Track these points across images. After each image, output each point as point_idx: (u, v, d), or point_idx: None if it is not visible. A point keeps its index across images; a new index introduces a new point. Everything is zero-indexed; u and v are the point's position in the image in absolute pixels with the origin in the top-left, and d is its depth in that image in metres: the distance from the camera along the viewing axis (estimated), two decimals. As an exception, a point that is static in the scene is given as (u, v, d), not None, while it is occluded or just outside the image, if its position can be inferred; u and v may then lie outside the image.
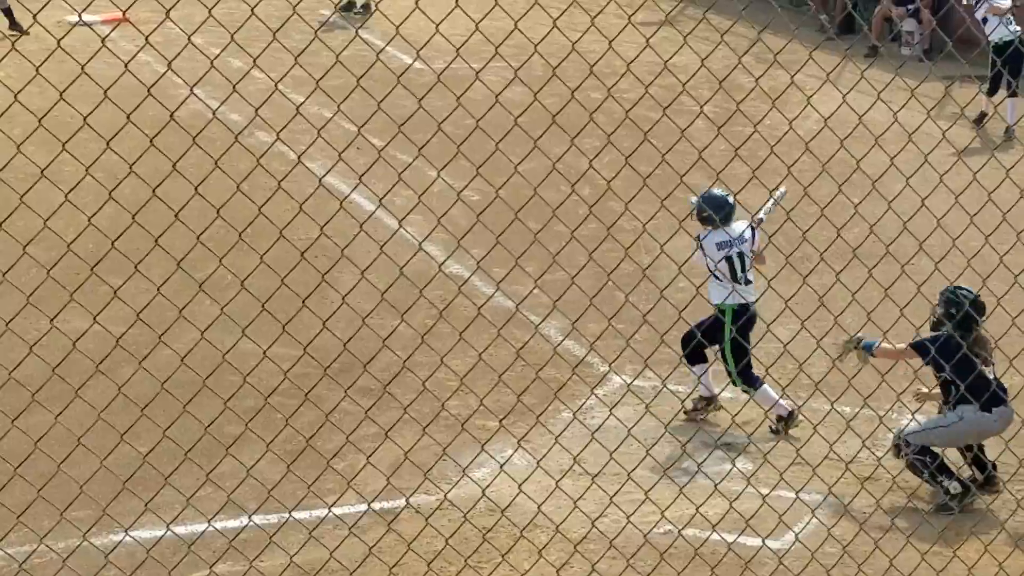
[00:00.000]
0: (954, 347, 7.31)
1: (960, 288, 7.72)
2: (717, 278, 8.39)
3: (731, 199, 8.42)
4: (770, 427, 8.53)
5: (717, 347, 8.74)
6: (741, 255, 8.64)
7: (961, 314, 7.64)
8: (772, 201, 8.28)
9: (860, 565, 5.82)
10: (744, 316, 8.29)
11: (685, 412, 8.73)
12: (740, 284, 8.52)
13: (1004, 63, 13.46)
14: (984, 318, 7.86)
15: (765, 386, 8.56)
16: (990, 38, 14.00)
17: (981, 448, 7.93)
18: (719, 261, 8.49)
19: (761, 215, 8.51)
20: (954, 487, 7.74)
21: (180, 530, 5.80)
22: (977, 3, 14.28)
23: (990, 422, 7.72)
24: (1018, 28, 13.97)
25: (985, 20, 14.25)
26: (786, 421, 8.53)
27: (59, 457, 5.25)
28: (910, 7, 17.14)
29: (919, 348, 7.65)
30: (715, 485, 6.26)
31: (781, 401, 8.49)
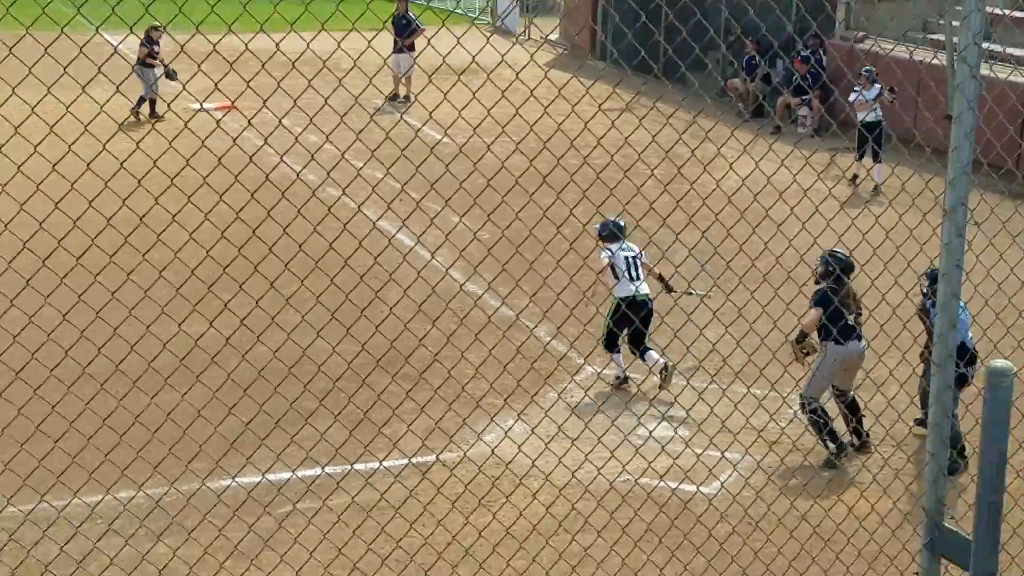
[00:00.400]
0: (829, 297, 7.11)
1: (834, 251, 7.15)
2: (617, 278, 8.50)
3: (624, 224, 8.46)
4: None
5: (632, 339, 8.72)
6: (636, 260, 8.61)
7: (835, 272, 7.35)
8: (696, 293, 7.66)
9: (769, 506, 5.72)
10: (634, 304, 8.35)
11: (611, 386, 8.77)
12: (635, 281, 8.52)
13: (872, 138, 13.38)
14: (852, 276, 7.42)
15: (619, 354, 8.81)
16: (861, 120, 13.94)
17: (860, 421, 7.72)
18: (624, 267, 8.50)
19: (690, 291, 7.57)
20: (836, 448, 7.62)
21: (272, 477, 5.71)
22: (853, 97, 14.26)
23: (847, 351, 7.30)
24: (880, 113, 13.91)
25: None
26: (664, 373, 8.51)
27: (184, 424, 5.19)
28: (804, 97, 17.07)
29: (820, 302, 7.24)
30: (662, 447, 6.20)
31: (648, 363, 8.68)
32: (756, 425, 5.92)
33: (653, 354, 8.57)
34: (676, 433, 7.06)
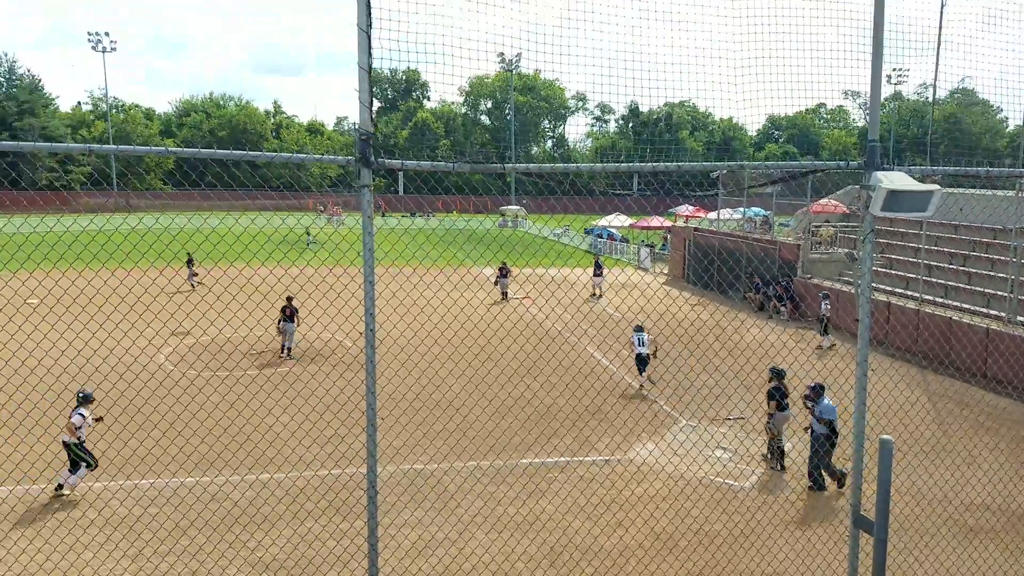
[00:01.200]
0: (780, 388, 13.70)
1: (773, 368, 13.94)
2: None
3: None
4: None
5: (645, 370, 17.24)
6: (643, 342, 17.01)
7: (777, 378, 13.82)
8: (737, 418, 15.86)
9: (769, 493, 12.80)
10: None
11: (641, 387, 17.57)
12: (641, 346, 17.12)
13: (823, 326, 21.81)
14: (784, 378, 13.87)
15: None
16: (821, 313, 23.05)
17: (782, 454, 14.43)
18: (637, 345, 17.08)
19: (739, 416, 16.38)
20: (776, 465, 13.80)
21: (536, 460, 13.40)
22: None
23: (784, 417, 13.60)
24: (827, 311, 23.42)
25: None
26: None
27: (513, 436, 12.96)
28: (783, 302, 27.45)
29: (774, 395, 13.48)
30: (729, 458, 13.44)
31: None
32: (755, 452, 13.11)
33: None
34: (724, 451, 14.30)
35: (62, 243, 35.93)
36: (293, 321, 21.83)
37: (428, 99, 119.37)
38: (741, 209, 39.21)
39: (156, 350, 22.20)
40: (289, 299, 21.93)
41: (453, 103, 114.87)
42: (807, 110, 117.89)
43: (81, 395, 12.71)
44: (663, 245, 48.85)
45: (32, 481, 12.34)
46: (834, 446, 12.56)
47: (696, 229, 38.79)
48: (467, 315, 24.43)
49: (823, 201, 33.41)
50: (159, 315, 24.21)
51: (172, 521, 11.37)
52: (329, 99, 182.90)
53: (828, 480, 12.83)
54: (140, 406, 15.93)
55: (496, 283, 32.36)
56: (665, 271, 42.10)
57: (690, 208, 50.87)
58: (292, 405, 16.32)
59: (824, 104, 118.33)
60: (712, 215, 41.79)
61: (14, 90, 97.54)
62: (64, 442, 12.34)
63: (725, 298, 31.41)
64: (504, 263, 32.40)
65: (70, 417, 12.46)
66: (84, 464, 12.32)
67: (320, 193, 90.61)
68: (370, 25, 5.74)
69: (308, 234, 52.93)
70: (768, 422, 13.79)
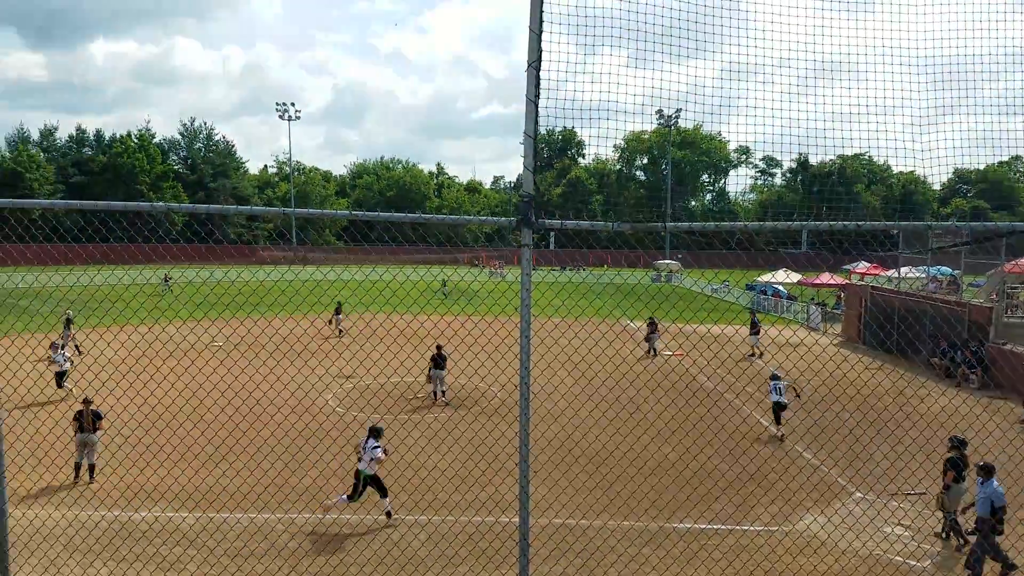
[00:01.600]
0: (959, 459, 12.55)
1: (955, 437, 12.98)
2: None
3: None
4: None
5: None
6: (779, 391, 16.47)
7: (957, 448, 12.76)
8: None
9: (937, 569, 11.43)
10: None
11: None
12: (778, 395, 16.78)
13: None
14: (965, 448, 12.87)
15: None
16: None
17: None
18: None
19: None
20: (959, 541, 12.40)
21: (677, 526, 12.71)
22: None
23: (960, 490, 12.46)
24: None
25: None
26: None
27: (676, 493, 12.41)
28: (972, 368, 21.96)
29: (952, 465, 12.46)
30: (909, 536, 12.18)
31: None
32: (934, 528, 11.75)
33: None
34: (901, 526, 12.95)
35: (243, 294, 39.19)
36: (443, 368, 22.46)
37: (583, 156, 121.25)
38: (924, 267, 36.45)
39: (324, 387, 23.34)
40: (439, 347, 22.57)
41: (608, 159, 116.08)
42: (1000, 163, 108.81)
43: (373, 428, 13.51)
44: (836, 304, 46.16)
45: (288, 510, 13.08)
46: (997, 534, 11.16)
47: (873, 287, 36.39)
48: (615, 366, 24.05)
49: (1021, 261, 30.45)
50: (327, 357, 25.54)
51: (324, 556, 11.69)
52: (486, 160, 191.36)
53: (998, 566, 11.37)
54: (308, 438, 16.68)
55: (646, 338, 31.83)
56: (838, 331, 39.76)
57: (866, 265, 47.89)
58: (442, 445, 16.54)
59: (1020, 157, 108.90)
60: (891, 273, 39.11)
61: (211, 155, 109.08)
62: (367, 475, 13.09)
63: (906, 362, 28.92)
64: (652, 317, 32.16)
65: (363, 448, 13.19)
66: (381, 492, 13.13)
67: (475, 248, 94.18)
68: (538, 96, 5.93)
69: (443, 284, 58.08)
70: (942, 494, 12.58)
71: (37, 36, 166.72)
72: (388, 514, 13.18)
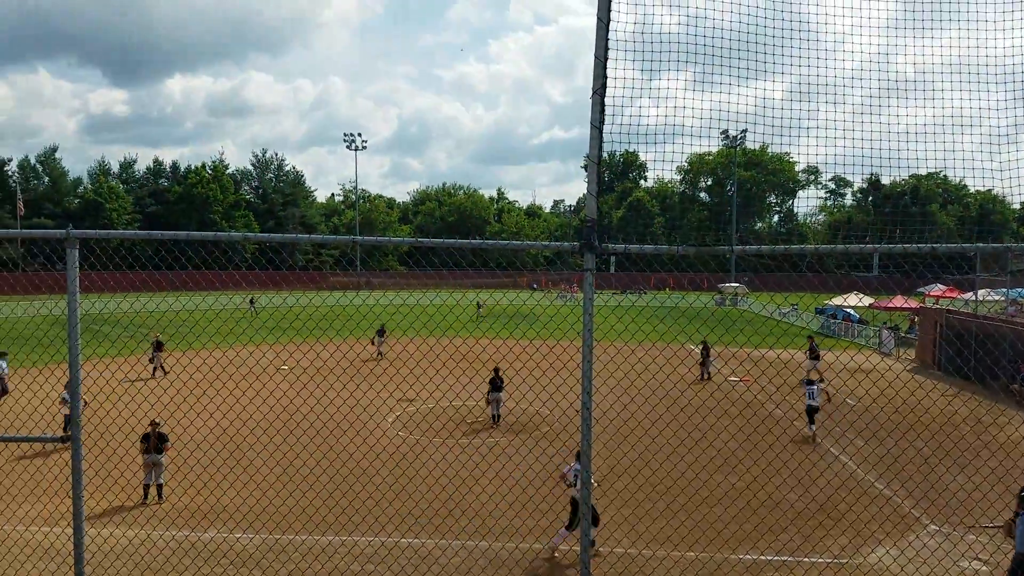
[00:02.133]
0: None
1: None
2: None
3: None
4: None
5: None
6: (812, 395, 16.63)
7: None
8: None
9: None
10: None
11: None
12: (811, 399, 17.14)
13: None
14: None
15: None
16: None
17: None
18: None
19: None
20: None
21: (741, 557, 12.35)
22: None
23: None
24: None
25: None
26: None
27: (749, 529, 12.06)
28: None
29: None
30: (988, 571, 11.62)
31: None
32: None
33: None
34: (978, 559, 12.34)
35: (313, 319, 40.17)
36: (500, 390, 22.56)
37: (645, 179, 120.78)
38: (1003, 290, 34.98)
39: (388, 410, 23.63)
40: (496, 370, 22.67)
41: (670, 181, 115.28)
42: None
43: (579, 453, 13.44)
44: (910, 328, 44.57)
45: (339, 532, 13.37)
46: None
47: (949, 310, 35.06)
48: (680, 392, 23.68)
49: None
50: (391, 381, 25.93)
51: (384, 579, 11.78)
52: (546, 184, 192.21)
53: None
54: (371, 460, 16.90)
55: (700, 363, 31.39)
56: (911, 356, 38.33)
57: (941, 288, 46.18)
58: (503, 470, 16.54)
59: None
60: (968, 296, 37.60)
61: (281, 184, 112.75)
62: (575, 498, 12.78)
63: (984, 389, 27.67)
64: (704, 341, 31.71)
65: (572, 473, 12.87)
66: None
67: (535, 271, 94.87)
68: (603, 122, 6.00)
69: (479, 306, 59.22)
70: (1015, 526, 11.94)
71: (120, 74, 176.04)
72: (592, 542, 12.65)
